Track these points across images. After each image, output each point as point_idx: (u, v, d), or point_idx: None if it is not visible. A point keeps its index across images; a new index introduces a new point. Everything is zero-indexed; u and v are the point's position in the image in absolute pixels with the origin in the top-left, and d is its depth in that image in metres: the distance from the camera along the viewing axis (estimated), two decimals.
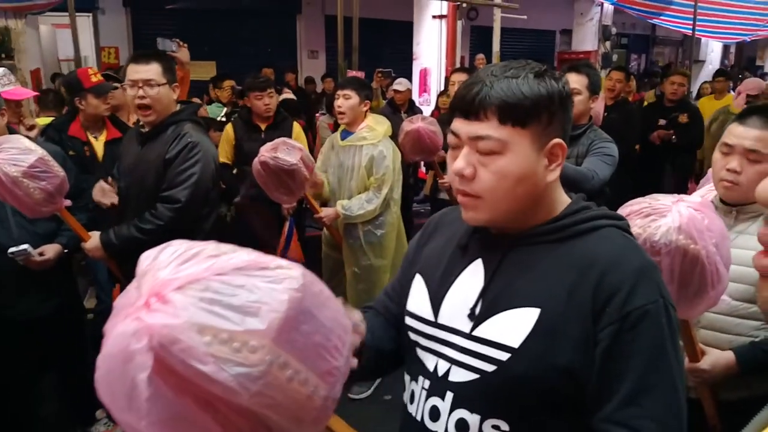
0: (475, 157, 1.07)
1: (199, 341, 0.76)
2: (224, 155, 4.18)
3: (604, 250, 1.07)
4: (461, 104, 1.08)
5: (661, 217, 1.41)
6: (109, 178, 2.77)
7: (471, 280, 1.15)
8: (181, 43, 3.82)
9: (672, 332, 1.03)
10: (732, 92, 7.61)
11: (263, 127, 4.19)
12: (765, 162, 1.71)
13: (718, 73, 7.75)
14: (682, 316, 1.56)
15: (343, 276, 3.67)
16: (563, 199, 1.16)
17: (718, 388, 1.75)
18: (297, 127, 4.34)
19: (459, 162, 1.08)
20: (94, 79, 3.52)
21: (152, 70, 2.56)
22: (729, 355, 1.70)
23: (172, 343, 0.75)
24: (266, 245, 4.25)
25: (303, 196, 3.25)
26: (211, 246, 0.84)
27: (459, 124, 1.09)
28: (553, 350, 1.02)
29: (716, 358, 1.69)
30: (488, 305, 1.11)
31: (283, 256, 4.27)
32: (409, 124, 3.57)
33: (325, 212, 3.43)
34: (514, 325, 1.06)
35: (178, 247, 0.83)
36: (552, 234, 1.11)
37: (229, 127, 4.28)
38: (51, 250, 2.65)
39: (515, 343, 1.05)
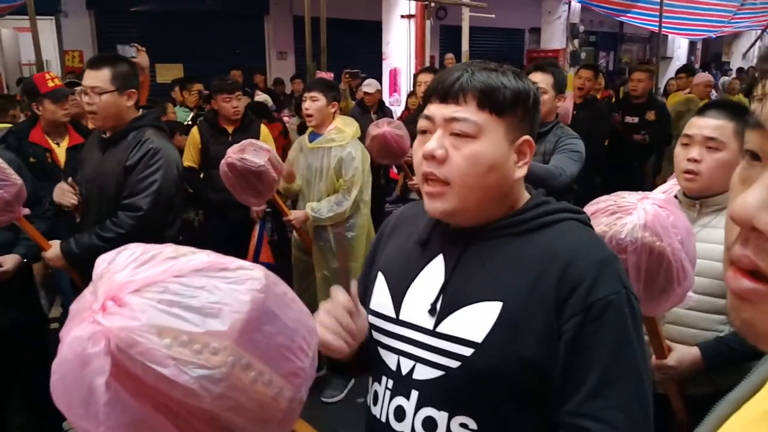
0: (448, 140, 1.07)
1: (159, 344, 0.75)
2: (190, 159, 4.12)
3: (566, 242, 1.08)
4: (440, 88, 1.09)
5: (627, 214, 1.41)
6: (69, 179, 2.70)
7: (432, 275, 1.15)
8: (140, 48, 3.76)
9: (635, 322, 1.04)
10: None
11: (230, 129, 4.15)
12: (724, 150, 1.74)
13: (680, 70, 7.91)
14: (649, 314, 1.58)
15: (313, 279, 3.64)
16: (525, 196, 1.17)
17: (685, 384, 1.77)
18: (264, 130, 4.31)
19: (431, 143, 1.07)
20: (50, 84, 3.44)
21: (100, 77, 2.50)
22: (695, 352, 1.72)
23: (131, 346, 0.74)
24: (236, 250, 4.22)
25: (272, 198, 3.22)
26: (169, 248, 0.83)
27: (434, 108, 1.09)
28: (516, 343, 1.02)
29: (682, 354, 1.72)
30: (450, 300, 1.11)
31: (255, 261, 4.24)
32: (375, 129, 3.56)
33: (294, 215, 3.40)
34: (476, 320, 1.06)
35: (134, 250, 0.81)
36: (513, 227, 1.11)
37: (194, 131, 4.22)
38: (9, 260, 2.60)
39: (478, 338, 1.05)
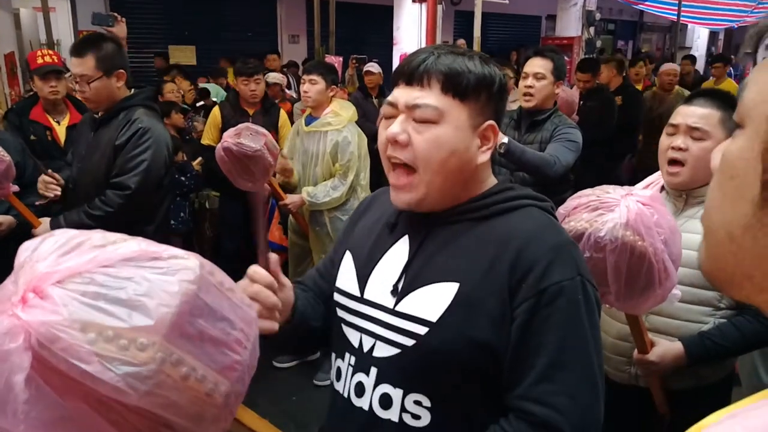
0: (411, 125, 1.08)
1: (82, 339, 0.71)
2: (209, 138, 4.15)
3: (523, 226, 1.09)
4: (405, 70, 1.10)
5: (609, 211, 1.37)
6: (49, 170, 2.69)
7: (396, 256, 1.16)
8: (120, 18, 3.69)
9: (589, 309, 1.04)
10: (730, 77, 7.70)
11: (251, 112, 4.15)
12: (708, 140, 1.69)
13: (715, 59, 7.89)
14: (630, 312, 1.56)
15: (309, 263, 3.64)
16: (490, 181, 1.17)
17: (667, 378, 1.74)
18: (284, 115, 4.30)
19: (394, 127, 1.08)
20: (39, 60, 3.45)
21: (85, 65, 2.47)
22: (678, 347, 1.68)
23: (52, 342, 0.71)
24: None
25: (268, 182, 3.19)
26: (97, 235, 0.79)
27: (399, 92, 1.10)
28: (469, 323, 1.03)
29: (665, 349, 1.68)
30: (410, 280, 1.12)
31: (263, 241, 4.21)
32: None
33: (291, 199, 3.38)
34: (433, 300, 1.07)
35: (60, 236, 0.77)
36: (474, 212, 1.13)
37: (216, 110, 4.27)
38: (3, 219, 2.63)
39: (433, 317, 1.06)
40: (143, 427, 0.76)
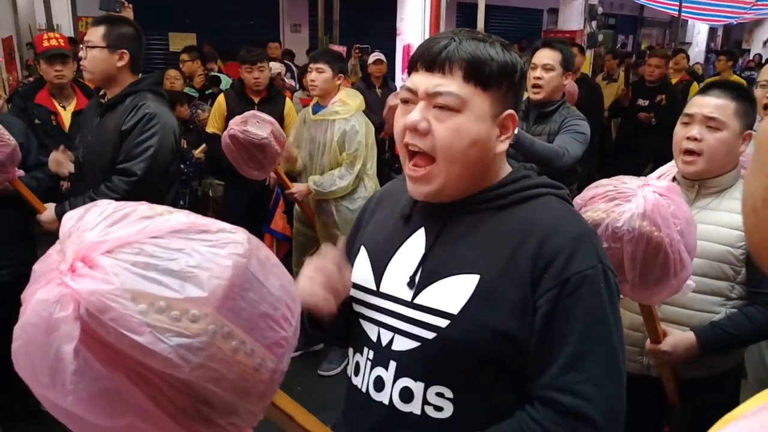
0: (431, 113, 1.04)
1: (134, 309, 0.70)
2: (214, 126, 4.11)
3: (544, 216, 1.07)
4: (426, 56, 1.05)
5: (626, 201, 1.37)
6: (62, 147, 2.66)
7: (413, 248, 1.14)
8: (127, 4, 3.63)
9: (611, 297, 1.03)
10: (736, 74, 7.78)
11: (256, 100, 4.10)
12: (724, 130, 1.69)
13: (722, 53, 7.99)
14: (644, 302, 1.56)
15: (313, 253, 3.60)
16: (506, 169, 1.16)
17: (679, 367, 1.74)
18: (289, 103, 4.26)
19: (414, 114, 1.04)
20: (45, 44, 3.39)
21: (95, 34, 2.45)
22: (690, 337, 1.69)
23: (103, 312, 0.69)
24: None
25: (274, 170, 3.17)
26: (143, 206, 0.78)
27: (419, 78, 1.06)
28: (491, 315, 1.02)
29: (677, 339, 1.68)
30: (429, 273, 1.10)
31: (267, 230, 4.20)
32: (394, 99, 3.48)
33: (297, 188, 3.36)
34: (454, 292, 1.06)
35: (105, 207, 0.76)
36: (493, 201, 1.10)
37: (221, 98, 4.23)
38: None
39: (455, 310, 1.04)
40: (181, 403, 0.75)
